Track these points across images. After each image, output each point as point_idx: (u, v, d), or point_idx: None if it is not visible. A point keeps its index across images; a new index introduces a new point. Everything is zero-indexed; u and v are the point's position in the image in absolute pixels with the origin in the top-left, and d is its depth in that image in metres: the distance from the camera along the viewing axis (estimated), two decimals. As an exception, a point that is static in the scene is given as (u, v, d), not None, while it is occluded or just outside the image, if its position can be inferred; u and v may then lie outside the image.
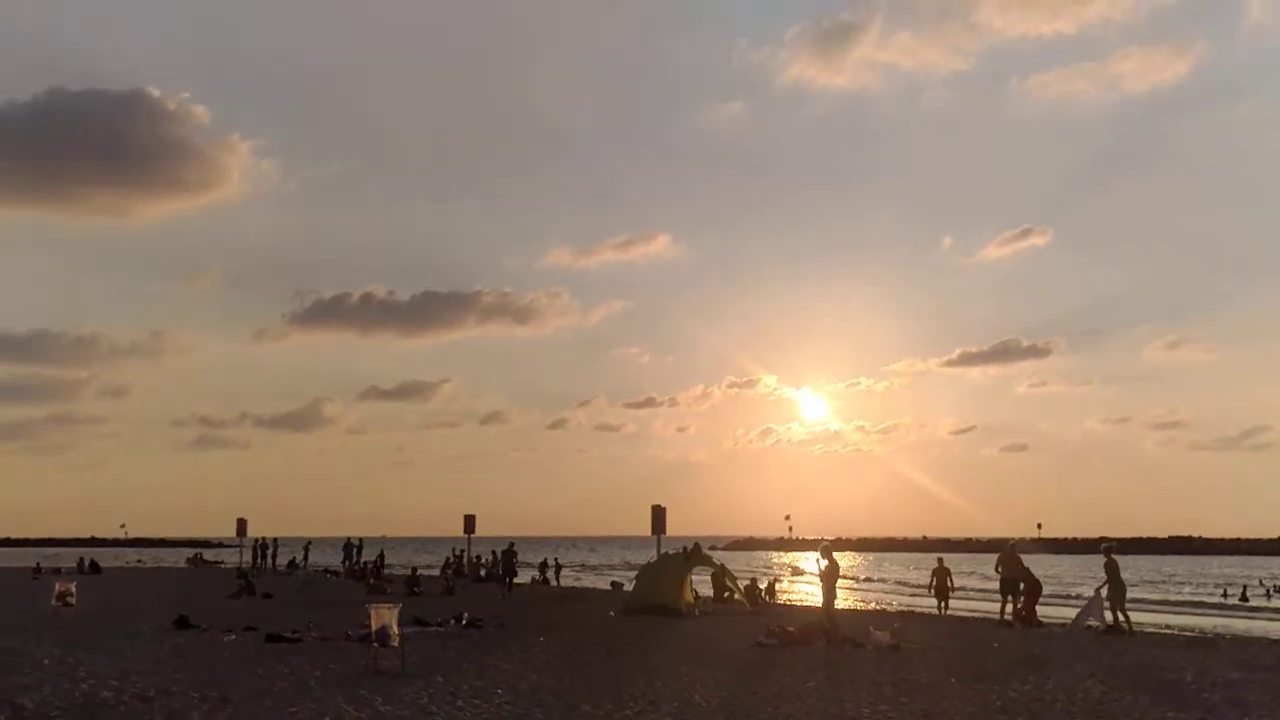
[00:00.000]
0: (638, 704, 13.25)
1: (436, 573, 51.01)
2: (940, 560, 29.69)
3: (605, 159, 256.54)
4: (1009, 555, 26.83)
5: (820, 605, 22.15)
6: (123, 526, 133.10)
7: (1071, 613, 26.19)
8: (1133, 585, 50.49)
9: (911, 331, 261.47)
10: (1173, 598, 50.19)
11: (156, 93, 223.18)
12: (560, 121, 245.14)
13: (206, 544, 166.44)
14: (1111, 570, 23.29)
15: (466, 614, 25.01)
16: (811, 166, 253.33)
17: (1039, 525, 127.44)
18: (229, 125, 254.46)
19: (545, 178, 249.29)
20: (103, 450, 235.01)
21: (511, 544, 41.27)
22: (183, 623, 23.96)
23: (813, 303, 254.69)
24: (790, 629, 21.26)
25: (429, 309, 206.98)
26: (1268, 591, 55.16)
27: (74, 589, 25.62)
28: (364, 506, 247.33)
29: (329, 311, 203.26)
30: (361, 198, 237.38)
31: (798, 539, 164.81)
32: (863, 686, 15.01)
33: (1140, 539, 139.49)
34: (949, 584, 28.76)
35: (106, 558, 71.28)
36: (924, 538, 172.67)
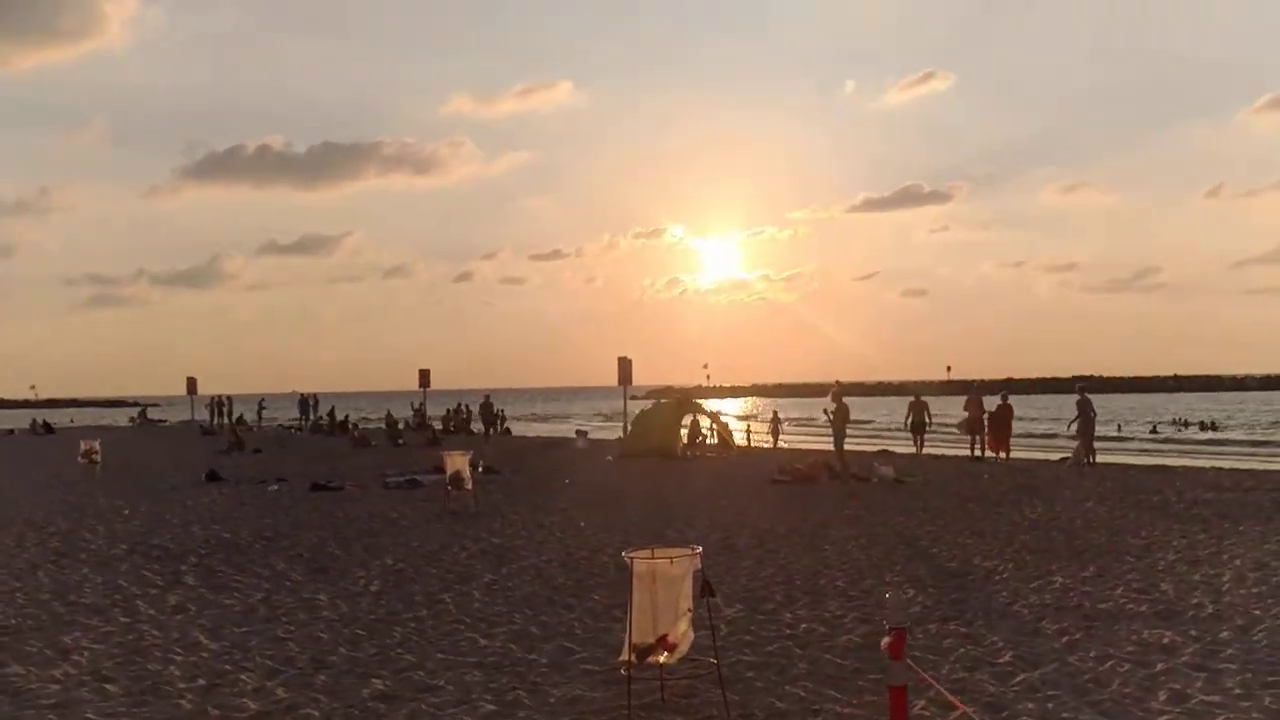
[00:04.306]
0: (718, 531, 14.96)
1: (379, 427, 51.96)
2: (917, 396, 31.26)
3: (505, 4, 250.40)
4: (974, 398, 29.05)
5: (831, 445, 24.02)
6: (33, 388, 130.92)
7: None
8: (1053, 421, 53.91)
9: (814, 178, 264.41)
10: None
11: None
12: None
13: (122, 403, 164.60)
14: (1082, 408, 25.54)
15: (483, 462, 26.47)
16: (714, 10, 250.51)
17: (948, 368, 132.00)
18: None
19: (444, 23, 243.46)
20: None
21: (488, 396, 42.76)
22: (213, 476, 25.19)
23: (717, 150, 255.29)
24: (799, 467, 23.24)
25: (328, 161, 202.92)
26: (1178, 425, 59.01)
27: (98, 447, 26.52)
28: (272, 362, 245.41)
29: (223, 165, 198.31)
30: (254, 46, 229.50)
31: (716, 386, 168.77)
32: (896, 512, 16.96)
33: (1045, 379, 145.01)
34: (926, 420, 30.43)
35: (25, 420, 70.86)
36: (837, 382, 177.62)
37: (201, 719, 6.69)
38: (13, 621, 9.63)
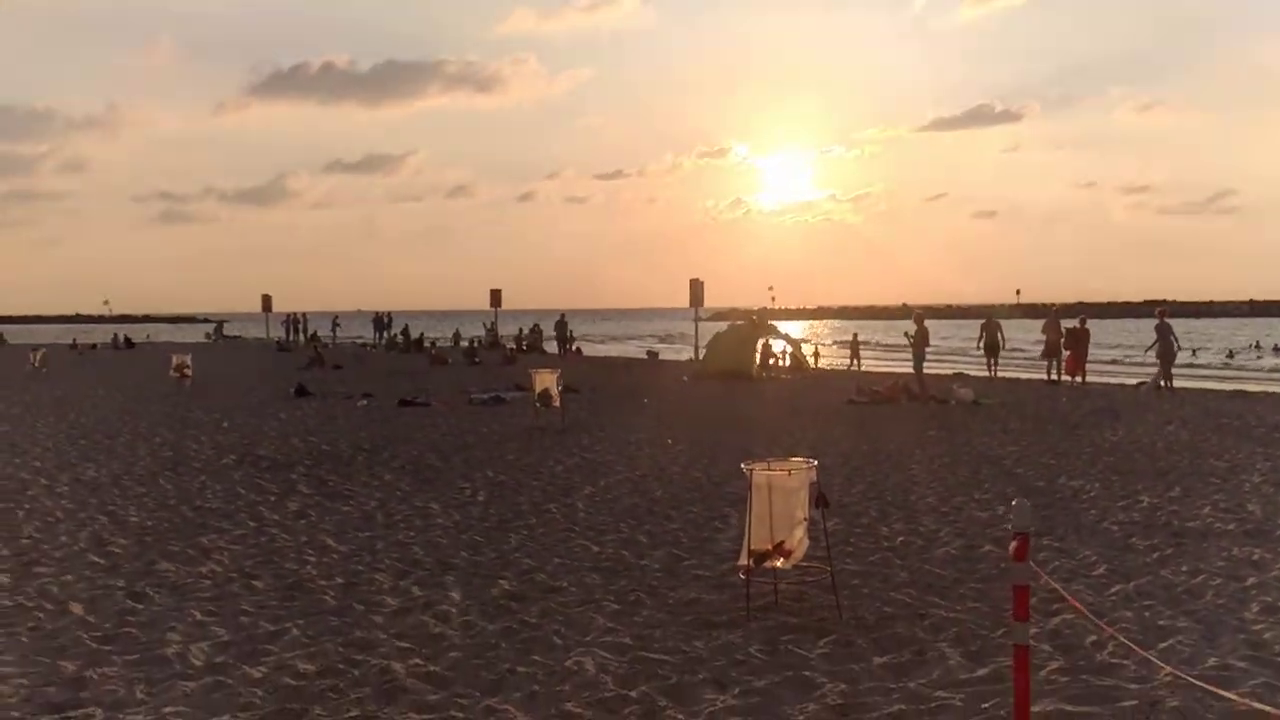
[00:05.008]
0: (803, 449, 15.21)
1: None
2: (989, 318, 30.80)
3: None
4: (1052, 321, 28.94)
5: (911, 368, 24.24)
6: (106, 303, 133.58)
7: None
8: (1120, 349, 53.31)
9: (883, 96, 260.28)
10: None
11: None
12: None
13: (192, 319, 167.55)
14: (1161, 332, 25.41)
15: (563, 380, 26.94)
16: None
17: (1018, 292, 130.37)
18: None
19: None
20: (65, 226, 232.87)
21: (563, 315, 43.30)
22: (301, 391, 25.93)
23: (784, 68, 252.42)
24: (877, 389, 23.48)
25: (391, 79, 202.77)
26: (1255, 350, 58.06)
27: (189, 361, 27.38)
28: (336, 280, 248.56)
29: (288, 82, 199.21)
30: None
31: (781, 309, 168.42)
32: (977, 433, 17.20)
33: (1117, 303, 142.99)
34: (1000, 342, 30.10)
35: (102, 335, 72.46)
36: (904, 305, 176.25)
37: (348, 613, 7.20)
38: (149, 524, 10.27)
